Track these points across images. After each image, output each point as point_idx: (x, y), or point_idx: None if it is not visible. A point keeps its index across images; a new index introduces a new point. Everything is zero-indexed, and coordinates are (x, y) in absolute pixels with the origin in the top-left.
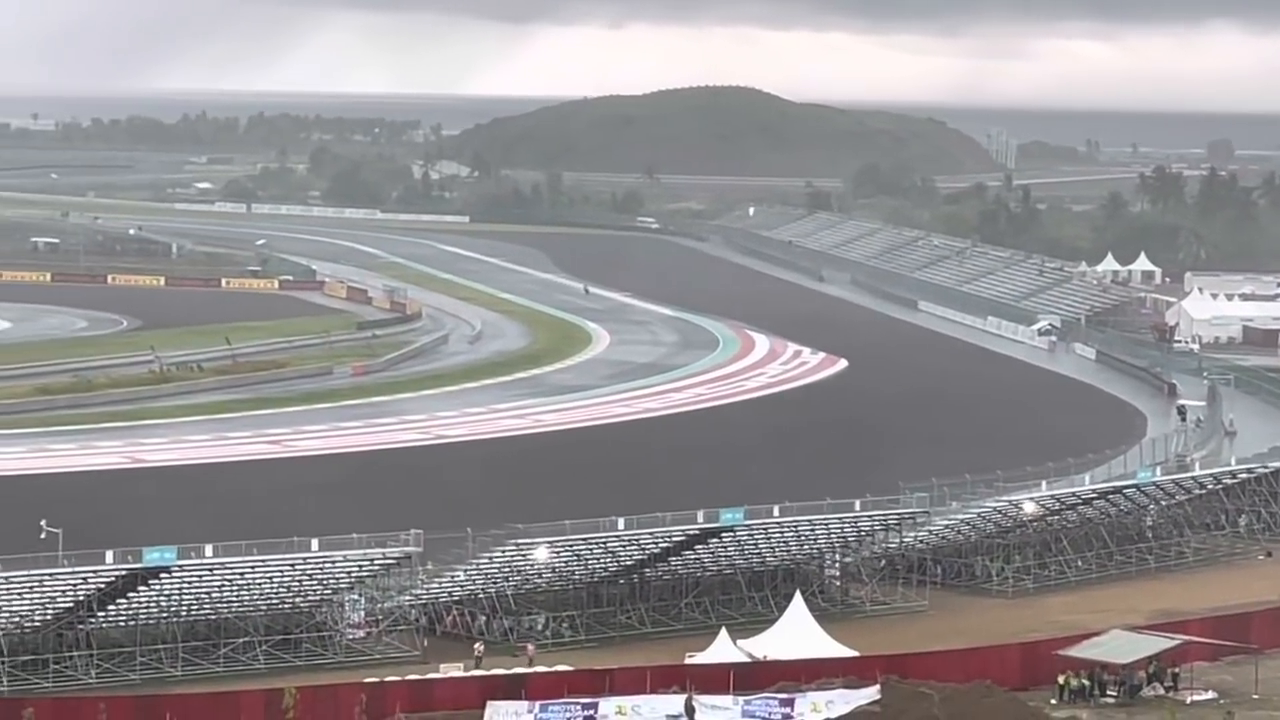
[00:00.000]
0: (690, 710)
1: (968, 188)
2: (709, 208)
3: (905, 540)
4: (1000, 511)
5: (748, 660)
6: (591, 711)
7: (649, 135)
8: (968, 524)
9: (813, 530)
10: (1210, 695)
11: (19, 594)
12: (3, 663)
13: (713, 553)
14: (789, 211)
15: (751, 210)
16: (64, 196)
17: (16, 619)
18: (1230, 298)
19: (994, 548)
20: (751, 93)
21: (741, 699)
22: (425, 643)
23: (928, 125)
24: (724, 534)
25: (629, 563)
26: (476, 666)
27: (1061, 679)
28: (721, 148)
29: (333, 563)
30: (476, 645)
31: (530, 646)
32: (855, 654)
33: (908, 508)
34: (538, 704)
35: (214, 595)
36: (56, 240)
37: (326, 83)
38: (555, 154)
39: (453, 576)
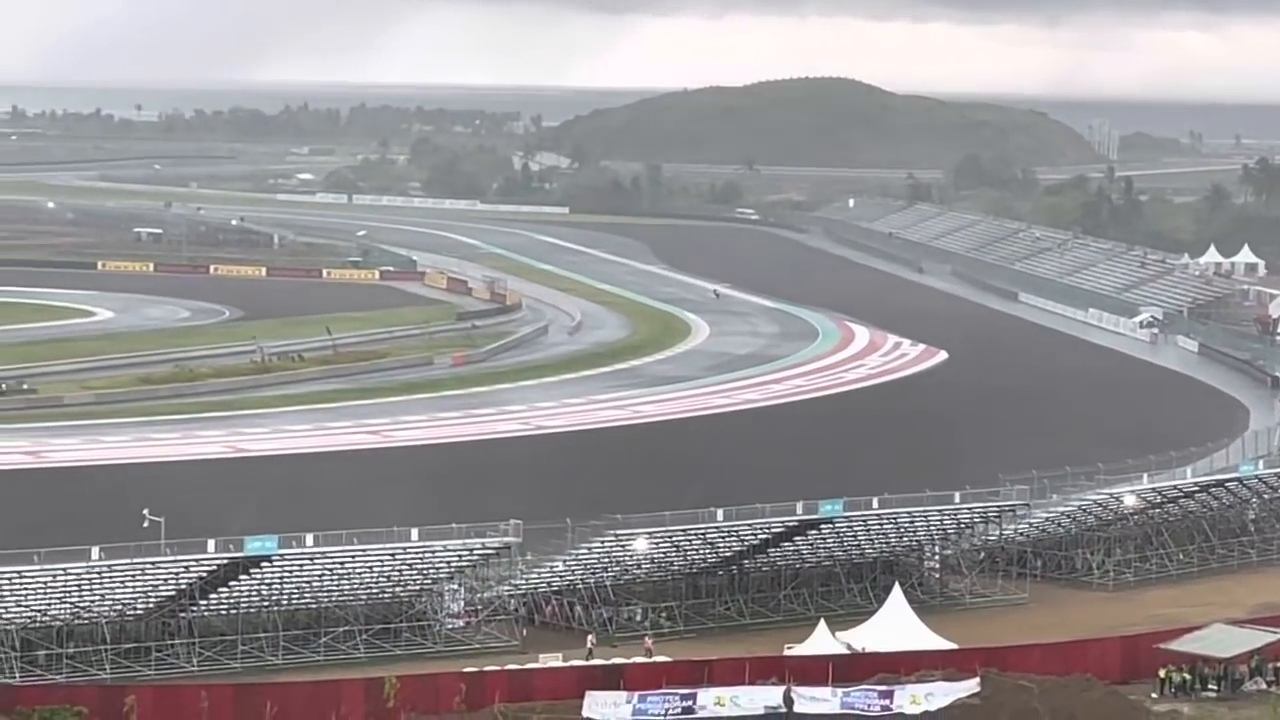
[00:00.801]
0: (789, 702)
1: (1069, 179)
2: (809, 199)
3: (1005, 533)
4: (1101, 504)
5: (846, 652)
6: (690, 702)
7: (749, 126)
8: (1068, 517)
9: (912, 522)
10: None
11: (122, 582)
12: (106, 650)
13: (812, 544)
14: (889, 203)
15: (851, 202)
16: (167, 187)
17: (120, 607)
18: None
19: (1094, 541)
20: (852, 84)
21: (840, 691)
22: (524, 633)
23: (1029, 116)
24: (823, 525)
25: (728, 554)
26: (589, 658)
27: (1162, 673)
28: (821, 139)
29: (432, 553)
30: (590, 637)
31: (649, 640)
32: (954, 646)
33: (1007, 500)
34: (636, 695)
35: (314, 584)
36: (159, 231)
37: (428, 74)
38: (655, 145)
39: (552, 567)
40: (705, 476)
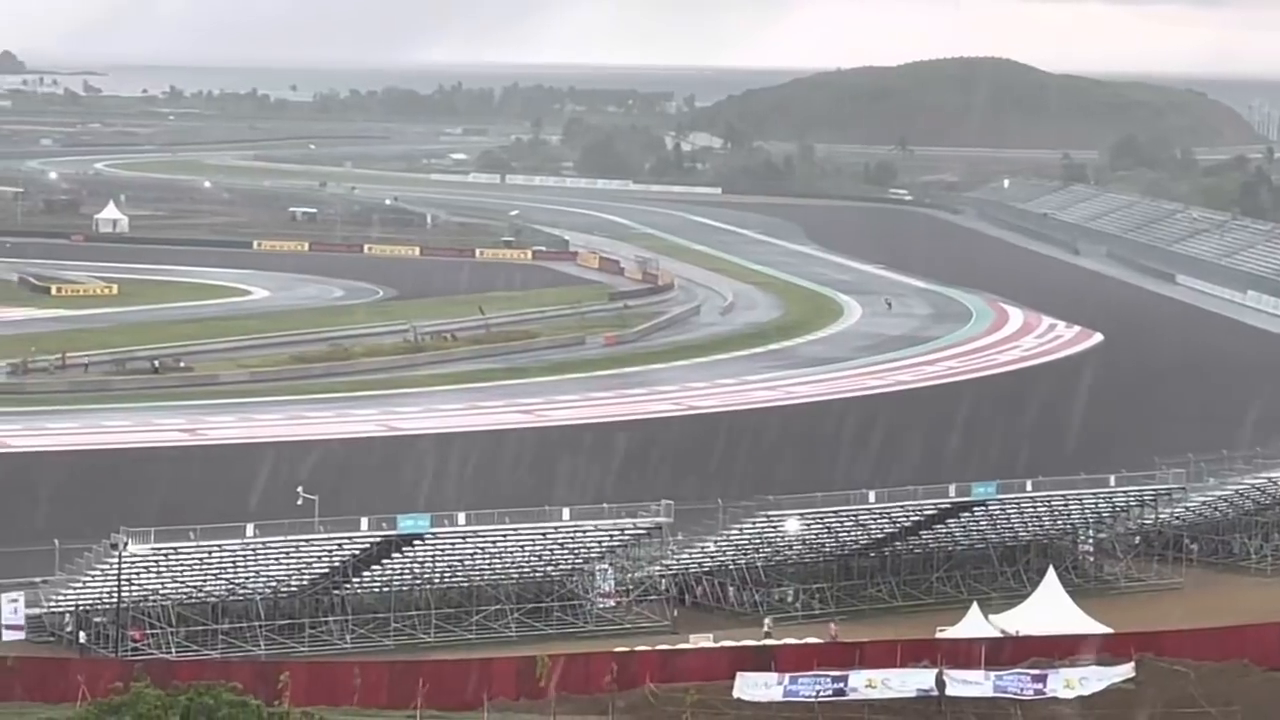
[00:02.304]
0: (941, 685)
1: (1228, 159)
2: (963, 179)
3: (1161, 516)
4: (1259, 488)
5: (999, 635)
6: (841, 684)
7: (902, 106)
8: (1225, 501)
9: (1066, 505)
10: None
11: (276, 559)
12: (260, 627)
13: (964, 527)
14: (1044, 184)
15: (1006, 182)
16: (322, 167)
17: (274, 584)
18: None
19: (1252, 525)
20: (1007, 64)
21: (993, 674)
22: (675, 613)
23: (1187, 96)
24: (976, 508)
25: (880, 536)
26: (764, 638)
27: None
28: (976, 119)
29: (584, 532)
30: (766, 620)
31: (834, 625)
32: (1109, 631)
33: (1163, 484)
34: (787, 676)
35: (466, 563)
36: (314, 210)
37: (581, 54)
38: (808, 125)
39: (703, 547)
40: (857, 458)
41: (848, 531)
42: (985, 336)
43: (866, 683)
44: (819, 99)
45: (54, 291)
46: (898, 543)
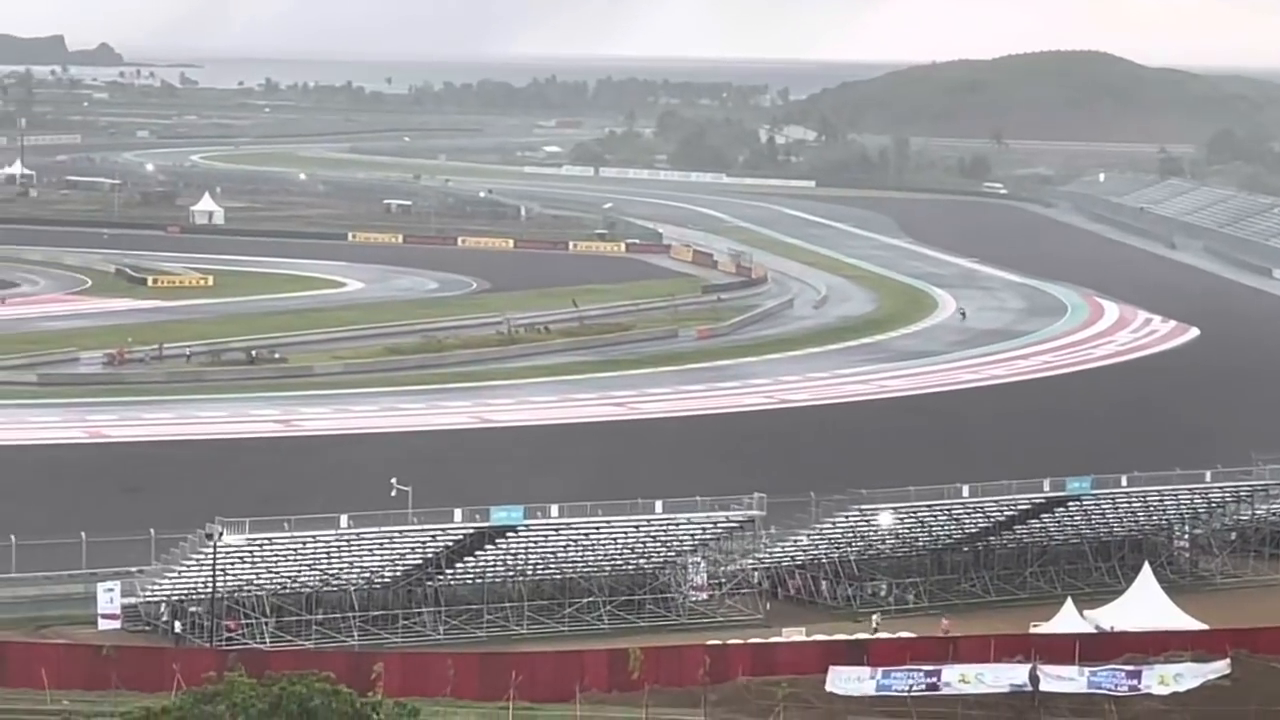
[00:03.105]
0: (1034, 680)
1: None
2: (1058, 173)
3: (1258, 513)
4: None
5: (1094, 631)
6: (934, 679)
7: (997, 100)
8: None
9: (1161, 501)
10: None
11: (370, 550)
12: (354, 617)
13: (1059, 522)
14: (1140, 177)
15: (1102, 176)
16: (416, 159)
17: (368, 574)
18: None
19: None
20: (1102, 57)
21: (1087, 670)
22: (768, 606)
23: None
24: (1070, 503)
25: (973, 530)
26: (874, 633)
27: None
28: (1071, 112)
29: (676, 525)
30: (874, 616)
31: (945, 620)
32: (1205, 627)
33: (1260, 479)
34: (880, 670)
35: (559, 555)
36: (408, 202)
37: (675, 47)
38: (902, 118)
39: (796, 541)
40: (950, 452)
41: (941, 526)
42: (1080, 331)
43: (960, 677)
44: (914, 92)
45: (150, 283)
46: (991, 537)
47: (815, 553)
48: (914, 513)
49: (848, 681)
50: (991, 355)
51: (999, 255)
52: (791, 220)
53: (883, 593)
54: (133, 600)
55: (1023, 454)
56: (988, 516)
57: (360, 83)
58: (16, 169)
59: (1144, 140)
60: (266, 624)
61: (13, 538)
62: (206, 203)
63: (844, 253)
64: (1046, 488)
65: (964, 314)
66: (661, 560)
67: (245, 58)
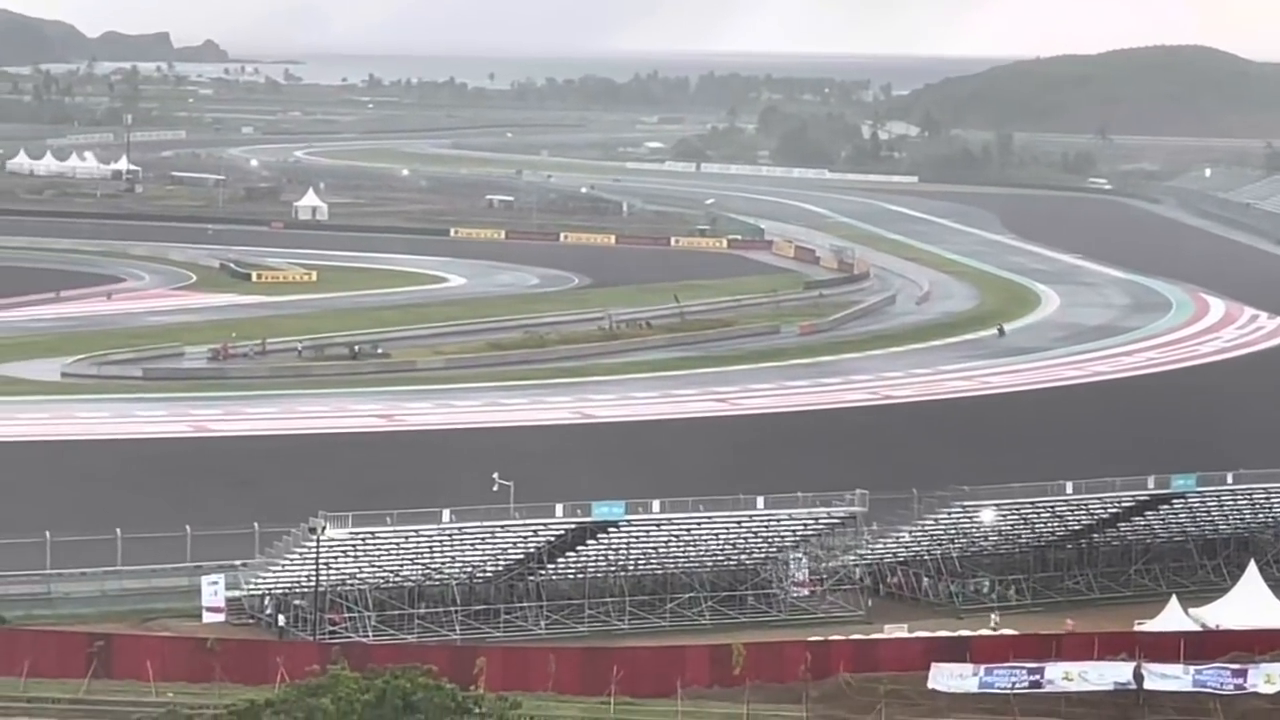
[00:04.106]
0: (1139, 678)
1: None
2: (1163, 168)
3: None
4: None
5: (1199, 629)
6: (1037, 676)
7: (1102, 95)
8: None
9: (1268, 499)
10: None
11: (472, 545)
12: (456, 612)
13: (1164, 519)
14: (1246, 172)
15: (1208, 171)
16: (518, 155)
17: (469, 569)
18: None
19: None
20: (1208, 51)
21: (1192, 668)
22: (869, 603)
23: None
24: (1175, 500)
25: (1077, 527)
26: (996, 629)
27: None
28: (1176, 108)
29: (778, 521)
30: (993, 616)
31: (1070, 621)
32: None
33: None
34: (983, 667)
35: (661, 550)
36: (511, 198)
37: (777, 43)
38: (1006, 114)
39: (898, 537)
40: (1054, 449)
41: (1044, 522)
42: (1185, 327)
43: (1063, 675)
44: (1017, 87)
45: (255, 278)
46: (1095, 534)
47: (917, 549)
48: (1017, 509)
49: (950, 679)
50: (1096, 352)
51: (1103, 251)
52: (894, 216)
53: (985, 589)
54: (237, 593)
55: (1127, 451)
56: (1091, 513)
57: (463, 78)
58: (123, 165)
59: (1250, 135)
60: (369, 618)
61: (118, 531)
62: (310, 198)
63: (946, 248)
64: (1151, 485)
65: (1002, 331)
66: (763, 556)
67: (348, 53)
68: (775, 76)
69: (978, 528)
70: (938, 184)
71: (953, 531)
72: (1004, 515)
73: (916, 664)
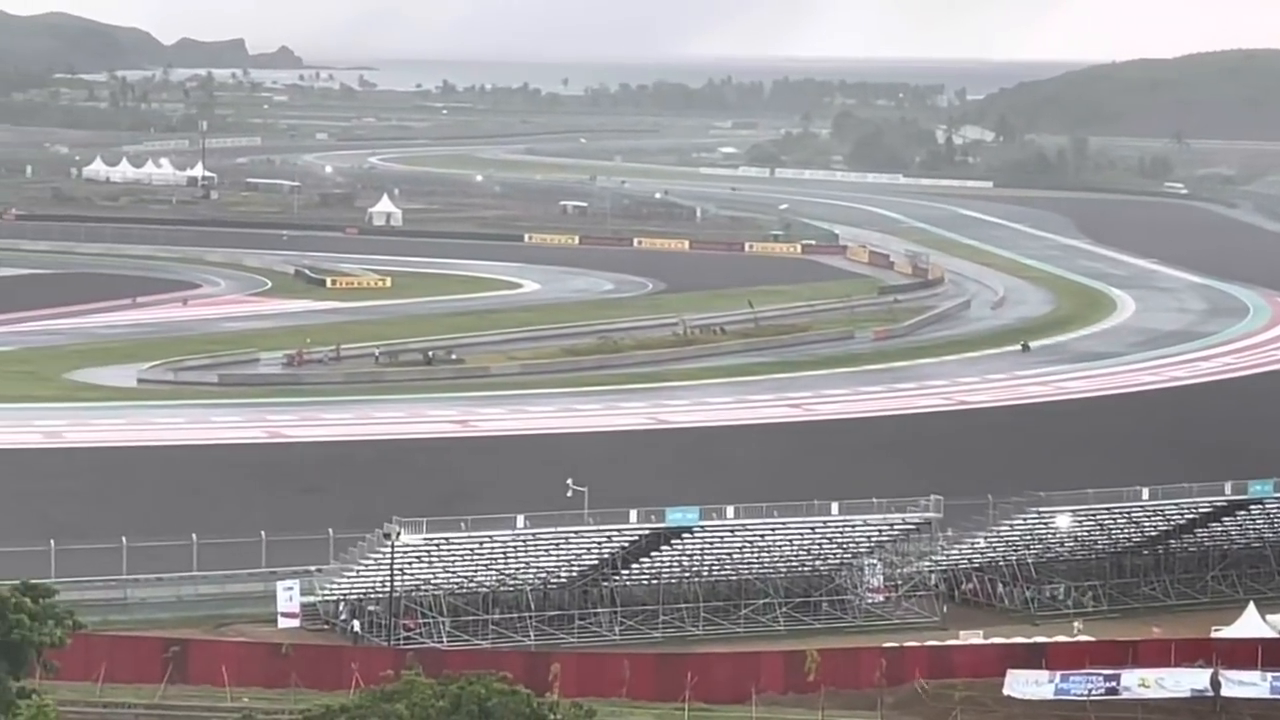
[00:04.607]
0: (1216, 685)
1: None
2: (1239, 173)
3: None
4: None
5: (1276, 636)
6: (1114, 683)
7: (1178, 99)
8: None
9: None
10: None
11: (546, 550)
12: (530, 617)
13: (1240, 525)
14: None
15: None
16: (592, 160)
17: (544, 575)
18: None
19: None
20: None
21: (1270, 675)
22: (945, 609)
23: None
24: (1253, 506)
25: (1153, 533)
26: (1076, 634)
27: None
28: (1254, 112)
29: (853, 527)
30: (1076, 624)
31: (1157, 629)
32: None
33: None
34: (1058, 674)
35: (735, 556)
36: (585, 203)
37: (850, 48)
38: (1081, 118)
39: (973, 543)
40: (1130, 454)
41: (1120, 528)
42: (1262, 332)
43: (1140, 682)
44: (1092, 91)
45: (329, 284)
46: (1172, 541)
47: (992, 555)
48: (1093, 515)
49: (1026, 685)
50: (1172, 357)
51: (1179, 255)
52: (968, 221)
53: (1060, 595)
54: (311, 599)
55: (1204, 456)
56: (1168, 519)
57: (536, 84)
58: (198, 171)
59: None
60: (443, 623)
61: (194, 536)
62: (384, 204)
63: (1021, 253)
64: (1228, 491)
65: (1026, 347)
66: (838, 562)
67: (421, 59)
68: (849, 81)
69: (1053, 533)
70: (1012, 189)
71: (1028, 537)
72: (1080, 521)
73: (992, 670)
